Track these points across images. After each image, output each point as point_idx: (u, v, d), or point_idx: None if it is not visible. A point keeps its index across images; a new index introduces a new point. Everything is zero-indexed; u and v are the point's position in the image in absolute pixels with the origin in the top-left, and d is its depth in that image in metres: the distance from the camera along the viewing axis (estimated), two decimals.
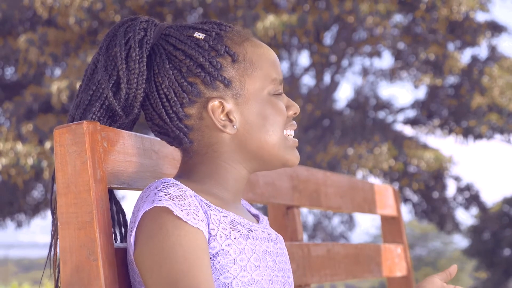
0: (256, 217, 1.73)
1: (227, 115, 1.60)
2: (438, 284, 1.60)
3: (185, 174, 1.63)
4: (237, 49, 1.63)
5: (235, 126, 1.61)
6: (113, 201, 1.65)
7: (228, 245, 1.53)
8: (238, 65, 1.62)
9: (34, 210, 17.29)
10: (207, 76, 1.59)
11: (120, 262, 1.56)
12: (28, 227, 17.72)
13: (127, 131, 1.64)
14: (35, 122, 14.54)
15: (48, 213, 18.02)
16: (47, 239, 1.66)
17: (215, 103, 1.59)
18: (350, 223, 19.78)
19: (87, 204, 1.50)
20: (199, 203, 1.52)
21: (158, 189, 1.50)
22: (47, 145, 14.12)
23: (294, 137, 1.68)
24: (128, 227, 1.57)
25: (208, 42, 1.61)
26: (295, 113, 1.66)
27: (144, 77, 1.60)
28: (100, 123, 1.60)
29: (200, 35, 1.62)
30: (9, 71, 17.03)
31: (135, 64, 1.60)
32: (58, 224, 1.51)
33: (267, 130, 1.62)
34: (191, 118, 1.61)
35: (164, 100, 1.60)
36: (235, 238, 1.54)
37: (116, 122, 1.65)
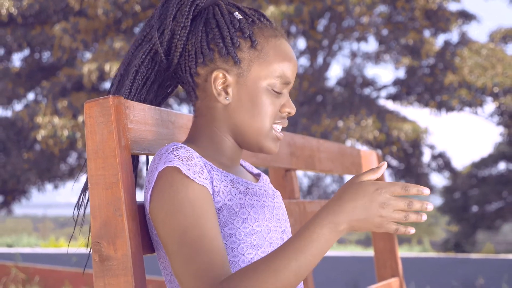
0: (258, 175, 1.72)
1: (226, 87, 1.58)
2: (359, 181, 1.40)
3: (192, 137, 1.62)
4: (260, 39, 1.59)
5: (227, 98, 1.58)
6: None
7: (230, 199, 1.53)
8: (253, 51, 1.58)
9: (69, 174, 17.33)
10: (223, 48, 1.57)
11: (143, 217, 1.56)
12: (64, 189, 17.76)
13: (147, 105, 1.64)
14: (69, 99, 14.53)
15: (81, 177, 18.04)
16: None
17: (219, 73, 1.58)
18: (340, 182, 19.84)
19: (113, 167, 1.49)
20: (203, 163, 1.51)
21: (169, 151, 1.49)
22: (80, 119, 14.12)
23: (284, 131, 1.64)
24: (144, 186, 1.57)
25: (240, 23, 1.58)
26: (289, 113, 1.61)
27: (186, 31, 1.59)
28: (145, 64, 1.61)
29: (238, 16, 1.60)
30: (46, 55, 17.00)
31: (181, 18, 1.59)
32: (88, 184, 1.51)
33: (252, 115, 1.58)
34: (200, 77, 1.59)
35: (186, 54, 1.59)
36: (235, 194, 1.54)
37: (156, 66, 1.62)
